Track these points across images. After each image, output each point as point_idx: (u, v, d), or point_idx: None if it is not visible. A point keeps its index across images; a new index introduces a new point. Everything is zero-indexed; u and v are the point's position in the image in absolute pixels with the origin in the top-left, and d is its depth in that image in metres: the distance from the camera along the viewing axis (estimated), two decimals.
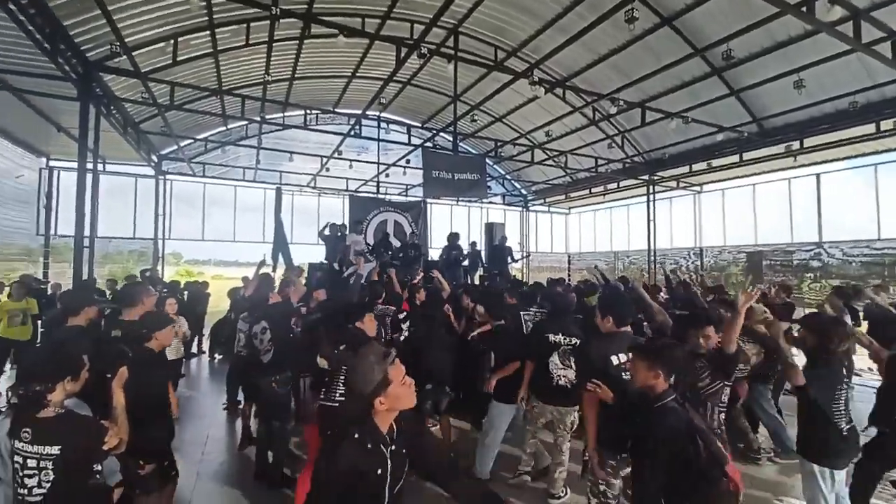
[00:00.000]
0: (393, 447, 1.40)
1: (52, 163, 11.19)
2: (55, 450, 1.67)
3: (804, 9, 4.79)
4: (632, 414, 2.04)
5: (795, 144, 9.17)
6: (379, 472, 1.32)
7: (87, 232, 6.55)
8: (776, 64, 7.79)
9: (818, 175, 11.00)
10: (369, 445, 1.33)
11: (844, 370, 2.64)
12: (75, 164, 6.38)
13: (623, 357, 2.55)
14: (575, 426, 3.43)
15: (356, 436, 1.33)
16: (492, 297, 4.46)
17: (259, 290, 4.77)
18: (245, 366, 4.25)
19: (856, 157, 9.94)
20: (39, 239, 10.92)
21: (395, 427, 1.44)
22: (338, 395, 2.92)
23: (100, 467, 1.86)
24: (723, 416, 2.52)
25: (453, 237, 10.10)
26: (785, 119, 9.02)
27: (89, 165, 6.55)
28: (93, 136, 6.73)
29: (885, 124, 7.91)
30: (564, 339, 3.48)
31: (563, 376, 3.42)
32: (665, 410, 1.89)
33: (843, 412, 2.58)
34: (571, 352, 3.44)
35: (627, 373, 2.35)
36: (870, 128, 8.09)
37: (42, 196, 10.95)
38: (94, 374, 2.16)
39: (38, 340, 6.86)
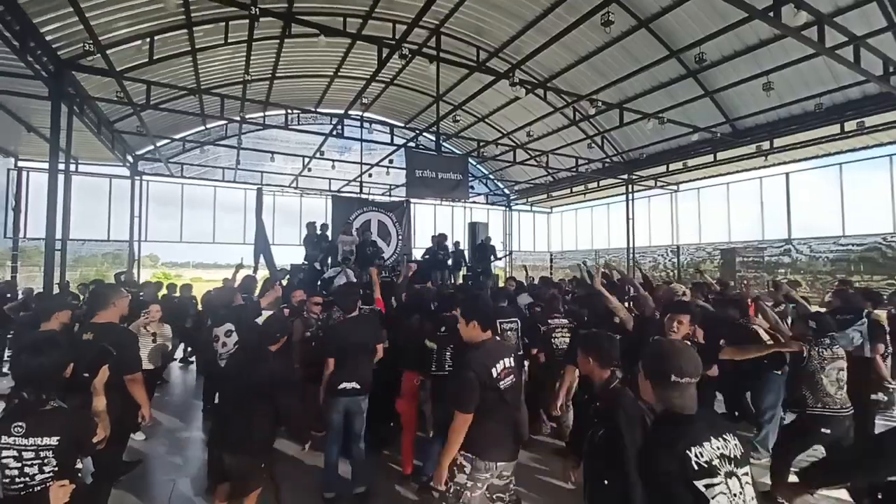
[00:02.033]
0: None
1: (21, 163, 10.80)
2: (54, 440, 1.74)
3: (771, 14, 4.98)
4: (594, 407, 2.14)
5: (766, 144, 9.51)
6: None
7: (58, 234, 6.36)
8: (746, 66, 8.09)
9: (787, 174, 11.44)
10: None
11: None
12: (46, 165, 6.18)
13: (507, 362, 2.38)
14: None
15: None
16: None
17: (223, 292, 4.69)
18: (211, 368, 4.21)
19: (822, 156, 10.37)
20: (8, 242, 10.53)
21: None
22: (447, 367, 3.64)
23: (81, 465, 1.91)
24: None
25: (440, 238, 10.16)
26: (756, 120, 9.36)
27: (61, 166, 6.36)
28: (65, 135, 6.54)
29: (849, 125, 8.28)
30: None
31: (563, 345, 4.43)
32: (617, 390, 2.11)
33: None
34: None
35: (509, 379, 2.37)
36: (835, 128, 8.46)
37: (10, 198, 10.56)
38: (72, 375, 2.16)
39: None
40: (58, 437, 1.74)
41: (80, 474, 1.89)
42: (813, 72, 7.79)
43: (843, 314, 4.31)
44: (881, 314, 3.89)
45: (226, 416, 2.84)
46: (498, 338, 2.80)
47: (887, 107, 7.49)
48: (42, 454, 1.72)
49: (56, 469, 1.74)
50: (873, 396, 3.86)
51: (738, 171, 11.86)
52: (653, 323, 3.42)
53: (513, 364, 2.41)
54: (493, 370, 2.28)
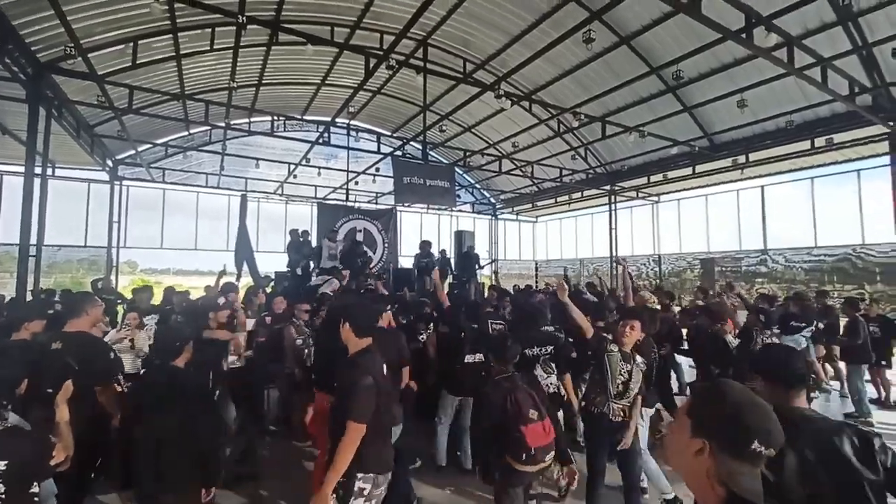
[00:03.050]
0: None
1: None
2: (2, 465, 1.62)
3: (744, 35, 5.21)
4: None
5: (742, 158, 9.85)
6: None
7: (33, 239, 6.19)
8: (722, 84, 8.39)
9: (763, 187, 11.83)
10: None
11: None
12: (22, 168, 6.04)
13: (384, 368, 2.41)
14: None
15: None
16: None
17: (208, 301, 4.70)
18: None
19: (795, 170, 10.77)
20: None
21: None
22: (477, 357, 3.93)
23: (38, 489, 1.78)
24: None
25: (425, 245, 10.19)
26: (732, 135, 9.69)
27: (37, 170, 6.22)
28: (42, 139, 6.40)
29: (819, 141, 8.64)
30: (538, 349, 3.63)
31: (551, 384, 3.57)
32: (496, 381, 2.73)
33: None
34: (551, 358, 3.65)
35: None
36: (806, 144, 8.82)
37: None
38: (34, 388, 2.10)
39: None
40: (6, 462, 1.63)
41: (36, 499, 1.77)
42: (784, 90, 8.13)
43: (797, 321, 5.07)
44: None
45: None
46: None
47: (854, 124, 7.84)
48: None
49: (4, 496, 1.63)
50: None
51: (716, 184, 12.22)
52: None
53: (385, 370, 2.36)
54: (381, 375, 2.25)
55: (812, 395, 4.11)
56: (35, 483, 1.76)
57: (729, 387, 1.01)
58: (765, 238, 11.87)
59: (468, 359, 3.98)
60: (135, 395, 2.63)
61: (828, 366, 7.05)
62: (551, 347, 3.66)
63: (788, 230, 11.71)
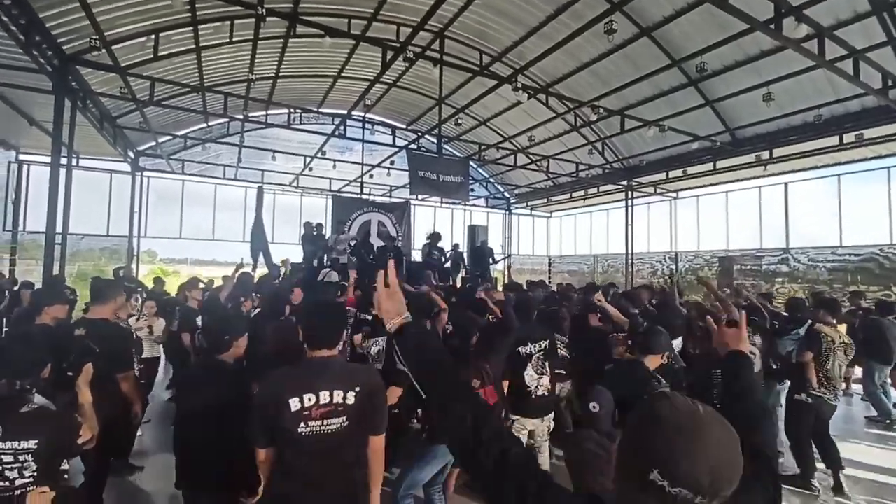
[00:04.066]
0: None
1: (22, 156, 10.78)
2: (32, 444, 1.68)
3: (773, 26, 5.03)
4: None
5: (765, 154, 9.58)
6: None
7: (58, 228, 6.36)
8: (747, 77, 8.14)
9: (786, 184, 11.50)
10: None
11: None
12: (48, 159, 6.19)
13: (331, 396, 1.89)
14: (551, 429, 3.44)
15: None
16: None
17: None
18: None
19: (821, 167, 10.43)
20: (7, 235, 10.51)
21: None
22: None
23: (67, 466, 1.86)
24: None
25: (434, 237, 10.16)
26: (755, 130, 9.41)
27: (62, 160, 6.38)
28: (67, 130, 6.55)
29: (848, 137, 8.34)
30: (534, 346, 3.34)
31: (541, 385, 3.29)
32: None
33: None
34: (545, 356, 3.35)
35: None
36: (834, 140, 8.52)
37: (10, 191, 10.55)
38: (58, 372, 2.15)
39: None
40: (36, 441, 1.68)
41: (66, 476, 1.84)
42: (813, 84, 7.85)
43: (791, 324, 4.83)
44: (824, 328, 4.04)
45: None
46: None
47: (886, 120, 7.54)
48: (21, 458, 1.66)
49: (36, 473, 1.68)
50: (796, 396, 4.02)
51: (737, 180, 11.92)
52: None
53: (344, 399, 1.69)
54: (294, 402, 1.63)
55: (803, 398, 3.95)
56: (64, 460, 1.83)
57: (659, 400, 0.77)
58: (787, 236, 11.56)
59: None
60: (180, 387, 2.60)
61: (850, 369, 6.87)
62: (545, 344, 3.35)
63: (812, 229, 11.40)
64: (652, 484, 0.70)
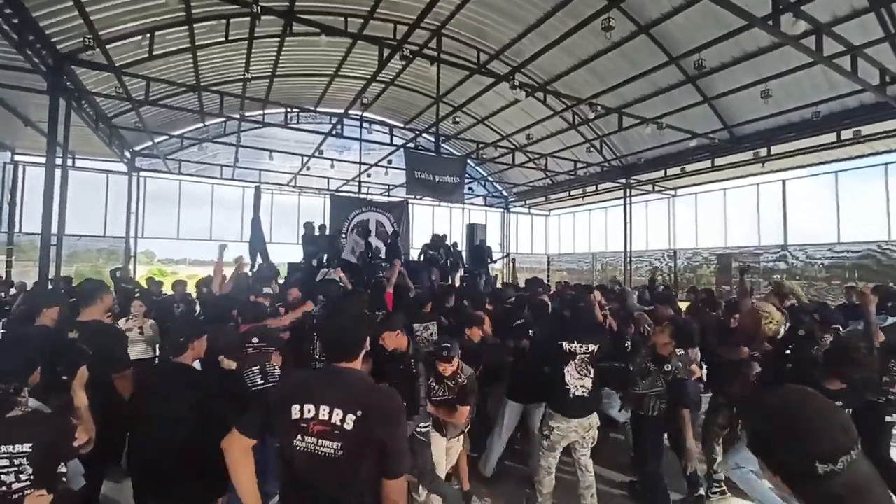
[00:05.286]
0: None
1: (17, 157, 10.73)
2: (27, 447, 1.65)
3: (770, 22, 5.03)
4: None
5: (763, 151, 9.58)
6: None
7: (54, 229, 6.33)
8: (745, 74, 8.13)
9: (784, 181, 11.51)
10: None
11: None
12: (43, 159, 6.15)
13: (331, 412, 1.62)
14: (595, 441, 3.32)
15: None
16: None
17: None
18: None
19: (818, 164, 10.44)
20: (3, 236, 10.46)
21: None
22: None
23: (65, 469, 1.83)
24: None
25: (437, 238, 10.15)
26: (754, 127, 9.41)
27: (58, 161, 6.33)
28: (62, 130, 6.50)
29: (846, 133, 8.34)
30: (581, 346, 3.28)
31: (581, 387, 3.25)
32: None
33: None
34: (590, 359, 3.29)
35: None
36: (831, 137, 8.52)
37: (6, 192, 10.49)
38: (51, 375, 2.12)
39: None
40: (30, 444, 1.65)
41: (64, 479, 1.82)
42: (810, 80, 7.85)
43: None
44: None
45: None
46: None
47: (883, 116, 7.55)
48: (16, 462, 1.64)
49: (33, 477, 1.66)
50: None
51: (735, 178, 11.92)
52: None
53: (342, 421, 1.42)
54: (295, 409, 1.46)
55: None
56: (62, 463, 1.80)
57: (780, 396, 0.95)
58: (785, 233, 11.58)
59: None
60: (139, 385, 2.55)
61: None
62: (594, 348, 3.27)
63: (810, 226, 11.41)
64: (817, 473, 0.82)
